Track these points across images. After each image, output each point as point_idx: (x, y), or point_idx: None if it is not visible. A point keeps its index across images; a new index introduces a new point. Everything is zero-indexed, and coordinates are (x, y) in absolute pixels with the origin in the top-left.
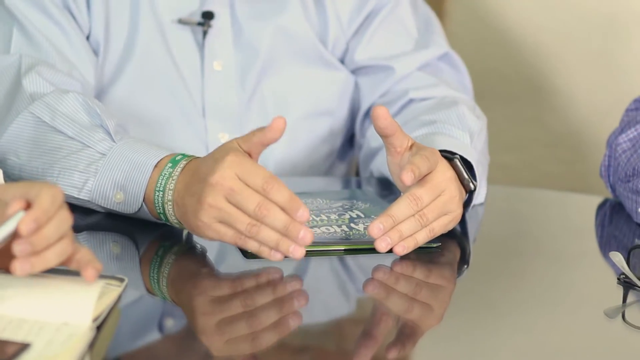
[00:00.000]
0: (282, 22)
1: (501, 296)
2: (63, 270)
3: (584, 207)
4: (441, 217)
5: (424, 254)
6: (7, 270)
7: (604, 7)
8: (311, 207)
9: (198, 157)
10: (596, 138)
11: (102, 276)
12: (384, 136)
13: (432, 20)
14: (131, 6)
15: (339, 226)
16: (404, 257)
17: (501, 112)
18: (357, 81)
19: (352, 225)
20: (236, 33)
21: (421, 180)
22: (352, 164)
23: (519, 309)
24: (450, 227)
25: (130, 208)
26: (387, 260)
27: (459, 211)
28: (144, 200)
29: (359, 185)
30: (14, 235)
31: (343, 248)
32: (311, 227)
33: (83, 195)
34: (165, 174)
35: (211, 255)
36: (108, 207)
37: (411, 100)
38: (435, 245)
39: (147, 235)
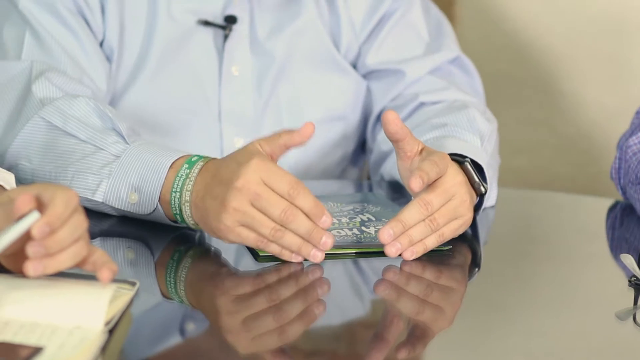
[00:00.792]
0: (297, 28)
1: (512, 299)
2: (75, 274)
3: (595, 210)
4: (451, 221)
5: (435, 257)
6: (20, 272)
7: (613, 10)
8: None
9: (214, 159)
10: (606, 140)
11: (114, 280)
12: (394, 141)
13: (443, 24)
14: (148, 11)
15: (350, 229)
16: (415, 259)
17: (512, 115)
18: (368, 85)
19: (363, 228)
20: (253, 38)
21: (431, 185)
22: (364, 168)
23: (529, 312)
24: (460, 232)
25: (145, 209)
26: (398, 263)
27: (469, 215)
28: (159, 201)
29: (370, 189)
30: (27, 236)
31: (354, 251)
32: None
33: (97, 197)
34: (182, 175)
35: (226, 257)
36: (122, 208)
37: (422, 104)
38: (446, 248)
39: (161, 241)
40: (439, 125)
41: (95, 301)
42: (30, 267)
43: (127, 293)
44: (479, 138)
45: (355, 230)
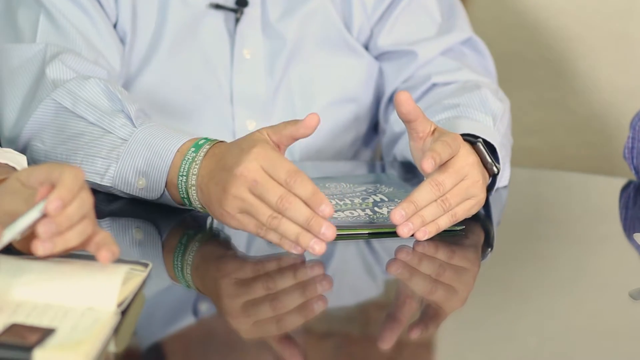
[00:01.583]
0: (309, 10)
1: (525, 279)
2: (87, 256)
3: (608, 189)
4: (464, 201)
5: (448, 237)
6: (30, 253)
7: None
8: (335, 191)
9: (222, 142)
10: (619, 120)
11: (126, 261)
12: (406, 121)
13: (455, 5)
14: None
15: (363, 210)
16: (428, 239)
17: (524, 95)
18: (380, 67)
19: (375, 209)
20: (265, 21)
21: (443, 165)
22: (376, 150)
23: (542, 292)
24: (473, 212)
25: (152, 194)
26: (411, 243)
27: (482, 195)
28: (166, 185)
29: (382, 169)
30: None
31: (367, 232)
32: (335, 211)
33: (106, 181)
34: (188, 158)
35: (235, 241)
36: (131, 193)
37: (434, 85)
38: (459, 228)
39: (170, 222)
40: (451, 106)
41: (107, 282)
42: (39, 246)
43: (139, 274)
44: (492, 118)
45: (368, 211)
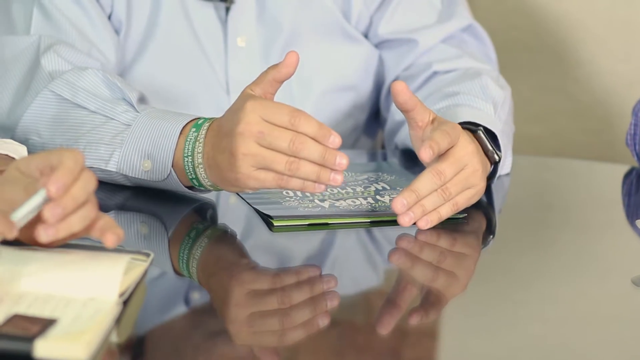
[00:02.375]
0: None
1: (527, 265)
2: (89, 246)
3: (610, 176)
4: (464, 190)
5: (450, 225)
6: (33, 244)
7: None
8: None
9: (218, 117)
10: (622, 107)
11: (128, 251)
12: (404, 111)
13: None
14: None
15: (365, 198)
16: (429, 228)
17: (526, 82)
18: (381, 55)
19: (377, 197)
20: (259, 8)
21: (443, 154)
22: (377, 138)
23: (545, 278)
24: (474, 201)
25: (158, 176)
26: (412, 231)
27: (482, 185)
28: (172, 166)
29: (384, 158)
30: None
31: (369, 220)
32: (336, 200)
33: (110, 166)
34: (191, 138)
35: (239, 230)
36: (136, 176)
37: (435, 73)
38: (461, 216)
39: (176, 215)
40: (451, 93)
41: (109, 272)
42: (42, 232)
43: (141, 264)
44: (492, 105)
45: (370, 199)
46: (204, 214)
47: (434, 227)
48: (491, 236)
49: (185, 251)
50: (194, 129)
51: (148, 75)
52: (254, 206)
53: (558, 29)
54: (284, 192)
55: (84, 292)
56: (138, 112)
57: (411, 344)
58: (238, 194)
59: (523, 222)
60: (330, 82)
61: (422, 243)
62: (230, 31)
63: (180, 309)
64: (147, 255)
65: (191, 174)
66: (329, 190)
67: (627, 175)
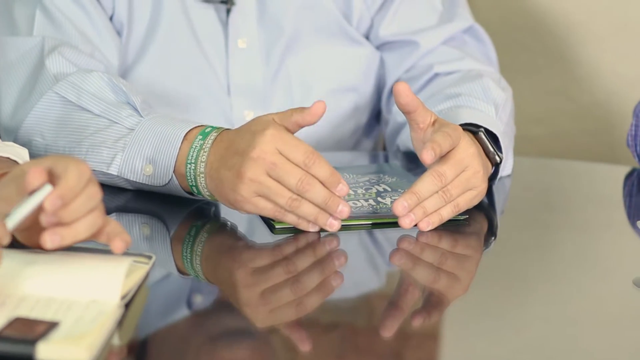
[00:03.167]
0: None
1: (529, 267)
2: (91, 249)
3: (611, 177)
4: (465, 192)
5: (451, 226)
6: (35, 246)
7: None
8: None
9: (228, 129)
10: (622, 108)
11: (129, 253)
12: (406, 112)
13: None
14: None
15: (366, 200)
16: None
17: (527, 84)
18: (382, 57)
19: (379, 199)
20: (260, 10)
21: (444, 156)
22: (378, 140)
23: (547, 280)
24: (475, 202)
25: (160, 181)
26: (414, 232)
27: (483, 186)
28: (174, 172)
29: (385, 160)
30: (41, 210)
31: (370, 222)
32: None
33: (112, 170)
34: (196, 146)
35: (241, 230)
36: (137, 180)
37: (436, 75)
38: (462, 218)
39: (177, 216)
40: (453, 95)
41: (111, 275)
42: (47, 239)
43: (143, 267)
44: (494, 107)
45: (371, 201)
46: (206, 215)
47: (435, 229)
48: (493, 237)
49: (188, 249)
50: (200, 137)
51: (149, 77)
52: None
53: (559, 30)
54: None
55: (86, 294)
56: (142, 116)
57: (413, 346)
58: None
59: (524, 223)
60: (331, 84)
61: (424, 244)
62: (231, 33)
63: (183, 311)
64: (149, 257)
65: (192, 181)
66: None
67: (628, 176)
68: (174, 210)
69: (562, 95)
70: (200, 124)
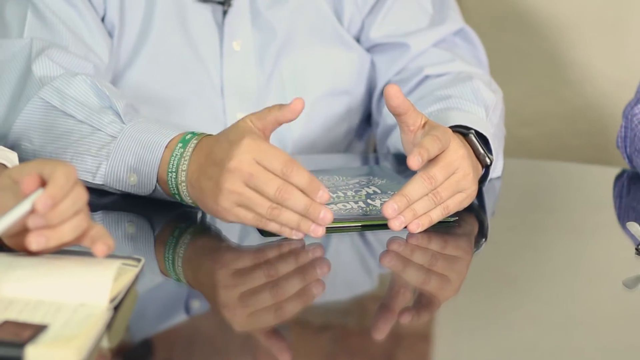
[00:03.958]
0: (299, 2)
1: (519, 268)
2: (79, 252)
3: (602, 179)
4: (455, 194)
5: (441, 228)
6: (24, 251)
7: None
8: (327, 184)
9: (209, 135)
10: (613, 110)
11: (118, 256)
12: (396, 115)
13: None
14: None
15: (356, 202)
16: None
17: (517, 86)
18: (372, 59)
19: (369, 201)
20: (254, 13)
21: (434, 159)
22: (370, 142)
23: (537, 281)
24: (465, 205)
25: (144, 190)
26: (404, 234)
27: (473, 188)
28: (157, 181)
29: (376, 162)
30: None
31: (360, 224)
32: (328, 204)
33: (97, 179)
34: (176, 154)
35: (228, 234)
36: (123, 189)
37: (427, 77)
38: (452, 219)
39: (163, 216)
40: (443, 97)
41: (99, 278)
42: (32, 240)
43: (131, 269)
44: (484, 109)
45: (361, 203)
46: (193, 218)
47: (425, 231)
48: (483, 239)
49: (170, 252)
50: (180, 144)
51: (142, 79)
52: None
53: (549, 32)
54: None
55: (75, 297)
56: (124, 123)
57: (404, 347)
58: None
59: (514, 225)
60: (325, 87)
61: (414, 246)
62: (226, 35)
63: (172, 313)
64: (138, 260)
65: (174, 189)
66: None
67: (619, 178)
68: (161, 210)
69: (552, 97)
70: (182, 131)
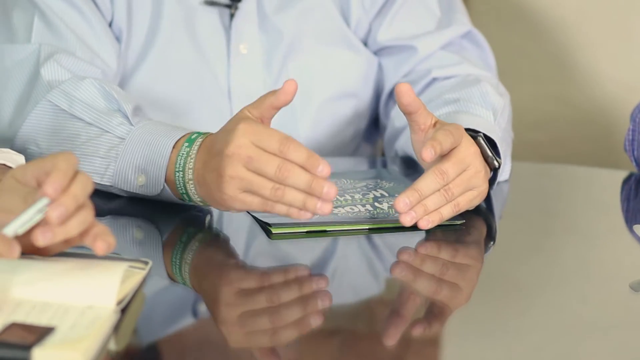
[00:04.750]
0: (306, 5)
1: (528, 272)
2: (86, 254)
3: (609, 182)
4: (466, 192)
5: (450, 232)
6: (28, 251)
7: None
8: None
9: (211, 133)
10: (621, 113)
11: (125, 259)
12: (407, 113)
13: None
14: None
15: (363, 205)
16: (429, 236)
17: (525, 89)
18: (380, 62)
19: (376, 204)
20: (261, 16)
21: (446, 155)
22: (377, 145)
23: (545, 285)
24: (475, 203)
25: (152, 190)
26: (413, 239)
27: (484, 186)
28: (165, 181)
29: (383, 165)
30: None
31: (367, 227)
32: (335, 207)
33: (106, 180)
34: (182, 153)
35: (235, 242)
36: (131, 190)
37: (434, 80)
38: (459, 222)
39: (171, 221)
40: (451, 100)
41: (106, 280)
42: (39, 236)
43: (139, 272)
44: (492, 112)
45: (368, 206)
46: (201, 221)
47: (434, 236)
48: (492, 243)
49: (178, 256)
50: (186, 144)
51: (149, 82)
52: (252, 214)
53: (557, 36)
54: None
55: (82, 300)
56: (133, 125)
57: (414, 353)
58: None
59: (522, 228)
60: (332, 90)
61: (424, 255)
62: (233, 38)
63: (178, 317)
64: (146, 263)
65: (182, 189)
66: None
67: (626, 181)
68: (169, 214)
69: (560, 101)
70: (187, 131)
